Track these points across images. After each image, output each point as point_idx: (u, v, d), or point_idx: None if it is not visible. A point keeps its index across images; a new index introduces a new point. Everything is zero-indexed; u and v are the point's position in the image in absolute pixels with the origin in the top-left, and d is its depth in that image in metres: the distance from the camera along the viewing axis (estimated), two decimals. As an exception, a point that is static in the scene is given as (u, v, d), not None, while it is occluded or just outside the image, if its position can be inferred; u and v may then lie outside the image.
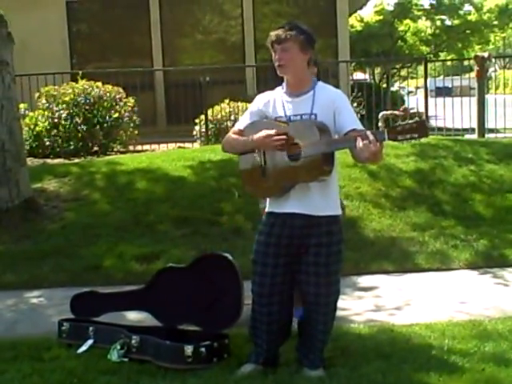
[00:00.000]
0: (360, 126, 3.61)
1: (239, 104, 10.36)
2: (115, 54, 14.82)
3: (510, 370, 3.79)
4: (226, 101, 10.63)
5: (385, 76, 24.12)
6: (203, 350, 3.90)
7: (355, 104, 10.73)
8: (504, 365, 3.84)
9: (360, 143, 3.34)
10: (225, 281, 4.16)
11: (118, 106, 10.25)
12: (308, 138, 3.52)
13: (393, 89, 23.48)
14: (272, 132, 3.60)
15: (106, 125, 10.04)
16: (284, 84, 3.78)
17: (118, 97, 10.30)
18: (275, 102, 3.76)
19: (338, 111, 3.62)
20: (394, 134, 3.35)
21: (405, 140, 3.36)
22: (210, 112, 10.54)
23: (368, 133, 3.37)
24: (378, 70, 25.32)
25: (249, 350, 3.92)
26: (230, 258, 4.21)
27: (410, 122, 3.34)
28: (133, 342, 4.04)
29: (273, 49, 3.67)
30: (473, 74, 11.54)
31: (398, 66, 24.45)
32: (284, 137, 3.57)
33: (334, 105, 3.64)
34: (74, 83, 10.44)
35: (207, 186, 7.57)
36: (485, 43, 24.86)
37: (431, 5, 23.31)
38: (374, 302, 5.16)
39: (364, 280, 5.76)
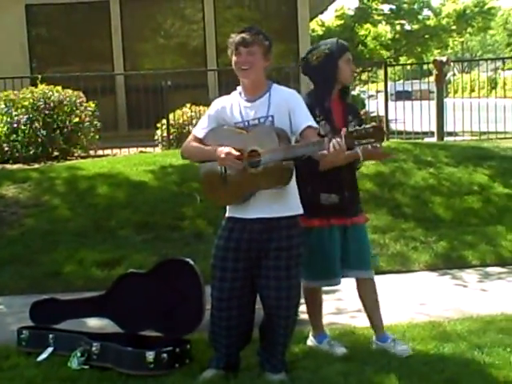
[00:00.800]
0: (314, 124, 3.66)
1: (201, 108, 10.33)
2: (76, 58, 14.67)
3: (469, 370, 3.85)
4: (188, 105, 10.62)
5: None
6: (165, 355, 3.89)
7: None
8: (463, 365, 3.90)
9: (332, 149, 3.36)
10: (186, 286, 4.15)
11: (78, 111, 10.14)
12: (267, 145, 3.53)
13: (354, 93, 23.64)
14: (235, 153, 3.57)
15: (66, 129, 9.92)
16: (241, 88, 3.79)
17: (78, 101, 10.19)
18: (232, 106, 3.76)
19: (293, 110, 3.66)
20: (351, 139, 3.36)
21: (361, 145, 3.38)
22: (171, 116, 10.50)
23: (338, 139, 3.37)
24: (339, 74, 25.46)
25: (211, 355, 3.91)
26: (192, 262, 4.20)
27: (367, 126, 3.33)
28: (93, 349, 4.01)
29: (237, 51, 3.66)
30: (432, 78, 11.68)
31: (358, 70, 24.64)
32: (241, 164, 3.57)
33: (288, 104, 3.67)
34: (33, 88, 10.30)
35: (169, 190, 7.55)
36: (443, 47, 25.23)
37: (391, 10, 23.57)
38: (335, 305, 5.19)
39: (326, 283, 5.78)
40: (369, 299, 4.23)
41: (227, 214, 3.82)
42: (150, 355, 3.86)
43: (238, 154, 3.57)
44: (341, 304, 5.21)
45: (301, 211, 3.79)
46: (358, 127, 3.37)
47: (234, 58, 3.70)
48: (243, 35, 3.66)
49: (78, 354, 4.02)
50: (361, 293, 4.25)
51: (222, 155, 3.58)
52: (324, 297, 5.37)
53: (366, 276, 4.19)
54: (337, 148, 3.35)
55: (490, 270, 6.13)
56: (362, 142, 3.33)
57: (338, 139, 3.35)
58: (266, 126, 3.64)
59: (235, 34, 3.72)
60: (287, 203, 3.70)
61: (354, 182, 4.21)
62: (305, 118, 3.65)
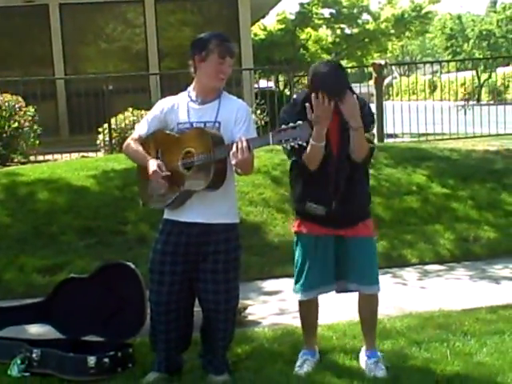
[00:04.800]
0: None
1: (143, 112, 10.27)
2: (15, 63, 14.44)
3: (408, 365, 3.94)
4: (130, 109, 10.55)
5: (288, 83, 24.49)
6: (107, 360, 3.87)
7: (259, 111, 10.85)
8: (402, 361, 4.00)
9: (234, 149, 3.41)
10: (128, 290, 4.14)
11: (17, 116, 9.99)
12: (201, 147, 3.56)
13: (295, 96, 23.83)
14: (162, 174, 3.59)
15: (5, 135, 9.77)
16: (191, 90, 3.79)
17: (17, 106, 10.04)
18: (179, 107, 3.77)
19: (238, 122, 3.68)
20: (277, 138, 3.37)
21: (289, 143, 3.35)
22: (113, 121, 10.42)
23: (242, 139, 3.43)
24: (281, 78, 25.67)
25: (153, 358, 3.91)
26: (133, 266, 4.19)
27: (292, 124, 3.35)
28: (34, 355, 3.95)
29: (223, 59, 3.64)
30: (372, 82, 11.85)
31: (300, 74, 24.88)
32: (165, 184, 3.60)
33: (236, 115, 3.70)
34: (-30, 93, 10.12)
35: (111, 195, 7.49)
36: (383, 51, 25.62)
37: (331, 14, 23.84)
38: (278, 306, 5.24)
39: (268, 284, 5.85)
40: (363, 314, 3.99)
41: (164, 216, 3.83)
42: (92, 360, 3.84)
43: (164, 174, 3.59)
44: (283, 304, 5.26)
45: (237, 220, 3.82)
46: (284, 126, 3.37)
47: (214, 59, 3.63)
48: (229, 45, 3.66)
49: (18, 362, 3.96)
50: (358, 306, 3.98)
51: (150, 172, 3.62)
52: (267, 298, 5.46)
53: (366, 291, 3.88)
54: (236, 150, 3.40)
55: (428, 267, 6.27)
56: (288, 139, 3.33)
57: (242, 145, 3.39)
58: (201, 128, 3.66)
59: (210, 35, 3.68)
60: (223, 211, 3.71)
61: (351, 193, 3.76)
62: (247, 133, 3.62)
